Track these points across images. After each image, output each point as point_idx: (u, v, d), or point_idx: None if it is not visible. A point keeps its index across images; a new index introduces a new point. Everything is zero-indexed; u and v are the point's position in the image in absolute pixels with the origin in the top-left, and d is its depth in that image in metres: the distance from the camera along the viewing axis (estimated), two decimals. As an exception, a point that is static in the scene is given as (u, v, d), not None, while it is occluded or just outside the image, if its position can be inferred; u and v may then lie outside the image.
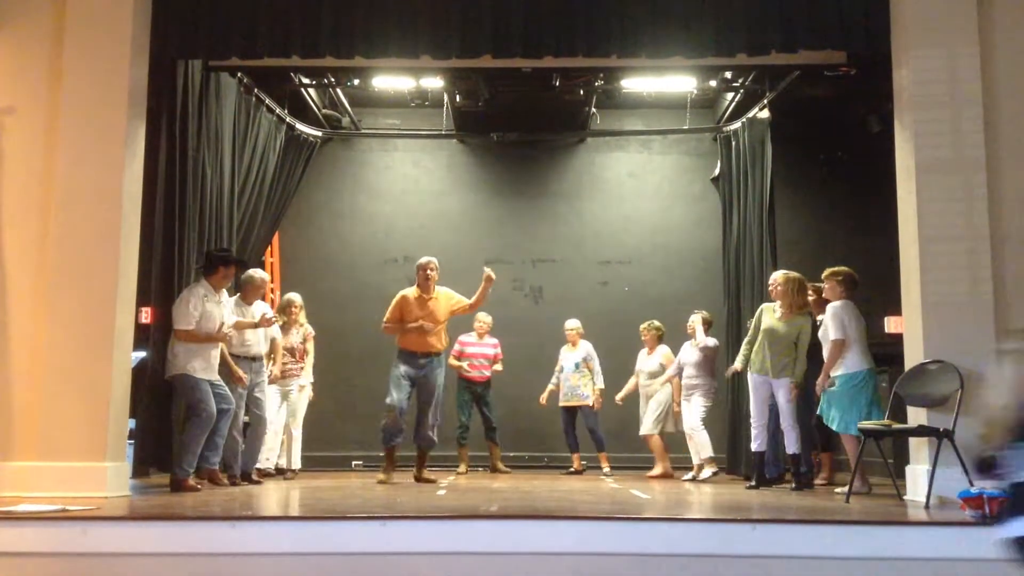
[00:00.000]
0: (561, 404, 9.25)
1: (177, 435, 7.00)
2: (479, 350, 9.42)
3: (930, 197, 6.01)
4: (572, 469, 9.17)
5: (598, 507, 5.34)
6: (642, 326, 9.10)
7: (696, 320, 8.49)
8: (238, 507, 5.34)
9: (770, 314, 7.20)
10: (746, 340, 7.45)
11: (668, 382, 8.73)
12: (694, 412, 8.36)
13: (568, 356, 9.26)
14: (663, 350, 9.00)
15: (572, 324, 9.31)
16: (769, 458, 7.39)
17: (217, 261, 6.81)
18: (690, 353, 8.49)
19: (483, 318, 9.41)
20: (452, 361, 9.15)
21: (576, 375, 9.14)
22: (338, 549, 4.34)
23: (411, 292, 7.70)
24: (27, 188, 6.10)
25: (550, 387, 9.34)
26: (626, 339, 9.62)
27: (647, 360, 9.06)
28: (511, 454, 9.69)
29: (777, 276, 7.31)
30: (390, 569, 4.32)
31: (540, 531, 4.42)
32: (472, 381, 9.35)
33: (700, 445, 8.31)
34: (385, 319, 7.71)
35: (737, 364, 7.61)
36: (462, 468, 9.15)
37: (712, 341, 8.45)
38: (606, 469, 8.94)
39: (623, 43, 6.48)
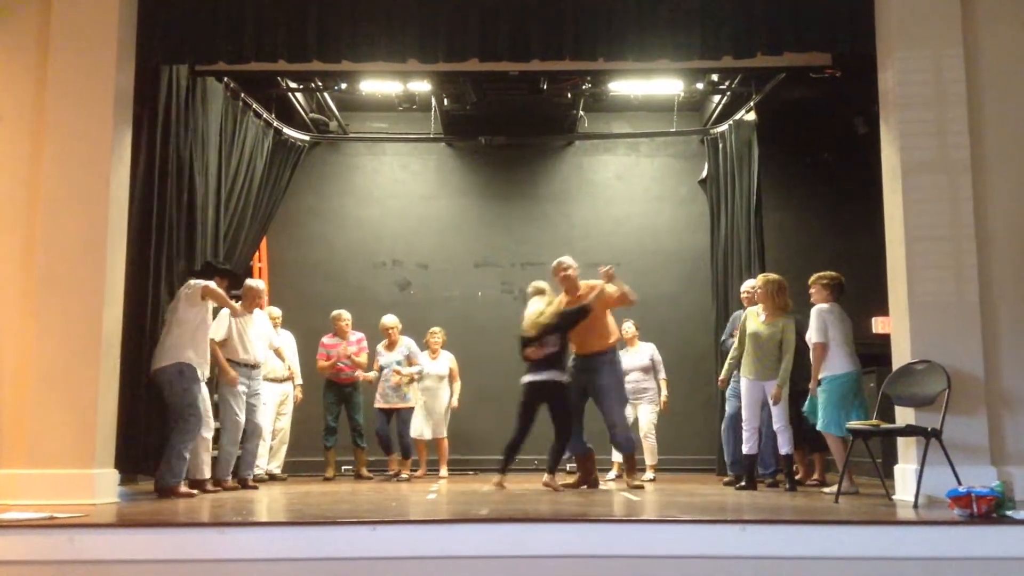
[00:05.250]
0: (380, 407, 8.85)
1: (144, 436, 6.90)
2: (340, 350, 9.00)
3: (916, 198, 6.05)
4: (394, 472, 8.82)
5: (589, 510, 5.34)
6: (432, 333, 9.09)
7: (630, 328, 8.73)
8: (227, 513, 5.32)
9: (754, 318, 7.23)
10: (734, 347, 7.48)
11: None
12: (645, 418, 8.65)
13: (387, 356, 8.93)
14: (447, 355, 9.11)
15: (390, 321, 8.98)
16: (764, 459, 7.44)
17: (214, 272, 7.04)
18: (635, 358, 8.70)
19: (344, 315, 9.11)
20: (322, 363, 8.94)
21: (397, 377, 8.79)
22: (328, 554, 4.33)
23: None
24: (13, 194, 6.07)
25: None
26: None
27: (433, 364, 9.04)
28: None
29: (756, 280, 7.41)
30: (380, 574, 4.31)
31: (531, 534, 4.41)
32: (337, 383, 9.02)
33: (649, 451, 8.61)
34: None
35: (723, 374, 7.76)
36: (329, 473, 8.91)
37: (652, 347, 8.77)
38: (405, 475, 8.65)
39: (609, 46, 6.50)
